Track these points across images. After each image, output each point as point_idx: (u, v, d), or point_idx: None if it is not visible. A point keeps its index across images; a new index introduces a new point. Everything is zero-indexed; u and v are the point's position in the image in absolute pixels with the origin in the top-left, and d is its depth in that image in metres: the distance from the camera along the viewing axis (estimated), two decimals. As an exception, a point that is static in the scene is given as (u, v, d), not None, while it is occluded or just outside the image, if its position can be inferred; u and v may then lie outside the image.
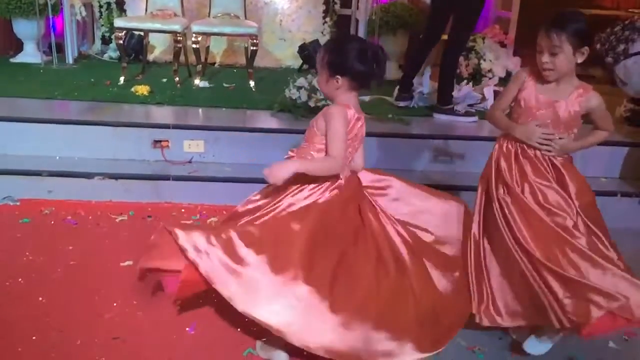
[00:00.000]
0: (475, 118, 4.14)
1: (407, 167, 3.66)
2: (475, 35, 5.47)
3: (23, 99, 4.04)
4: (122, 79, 4.59)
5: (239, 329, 2.23)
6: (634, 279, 1.96)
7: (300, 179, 2.07)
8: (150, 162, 3.56)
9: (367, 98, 4.20)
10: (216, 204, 3.35)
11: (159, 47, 5.79)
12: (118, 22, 4.59)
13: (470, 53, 5.33)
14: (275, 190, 2.13)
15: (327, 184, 2.11)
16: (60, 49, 5.31)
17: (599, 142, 2.23)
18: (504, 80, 5.18)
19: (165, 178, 3.40)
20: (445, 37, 4.11)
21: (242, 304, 1.90)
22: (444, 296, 2.20)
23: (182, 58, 4.84)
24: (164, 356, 2.08)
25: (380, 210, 2.24)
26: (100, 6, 5.82)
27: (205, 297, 2.31)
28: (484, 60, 5.38)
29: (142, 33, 5.07)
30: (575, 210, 2.08)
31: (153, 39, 5.53)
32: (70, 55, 5.30)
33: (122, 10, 5.77)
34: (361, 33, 5.39)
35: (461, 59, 5.09)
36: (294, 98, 3.90)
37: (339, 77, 2.07)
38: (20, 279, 2.50)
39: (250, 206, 2.20)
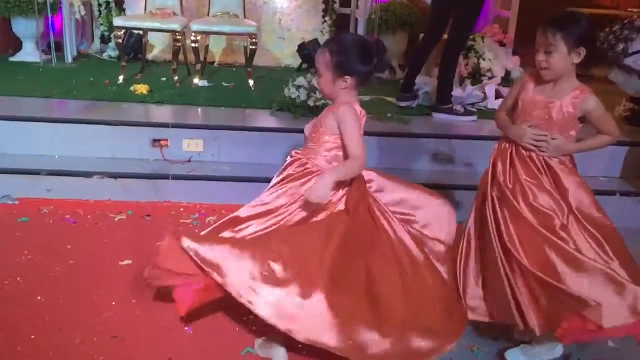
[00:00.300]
0: (475, 117, 4.14)
1: (406, 166, 3.66)
2: (475, 34, 5.46)
3: (22, 98, 4.04)
4: (121, 78, 4.59)
5: (237, 328, 2.23)
6: (628, 284, 1.94)
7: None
8: (149, 162, 3.55)
9: (367, 98, 4.20)
10: (215, 203, 3.35)
11: (158, 46, 5.79)
12: (117, 21, 4.59)
13: (470, 52, 5.33)
14: (285, 192, 2.13)
15: (339, 189, 2.11)
16: (60, 48, 5.31)
17: (601, 147, 2.18)
18: (506, 80, 5.18)
19: (165, 177, 3.40)
20: (445, 36, 4.11)
21: (284, 325, 1.90)
22: (448, 286, 2.26)
23: (181, 57, 4.84)
24: (163, 355, 2.08)
25: (384, 206, 2.25)
26: (100, 5, 5.81)
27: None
28: (484, 59, 5.38)
29: (141, 32, 5.06)
30: (566, 212, 2.06)
31: (152, 38, 5.52)
32: (69, 55, 5.30)
33: (121, 10, 5.77)
34: (360, 32, 5.39)
35: (460, 58, 5.09)
36: (293, 97, 3.90)
37: (347, 77, 2.08)
38: (19, 278, 2.49)
39: (260, 209, 2.15)
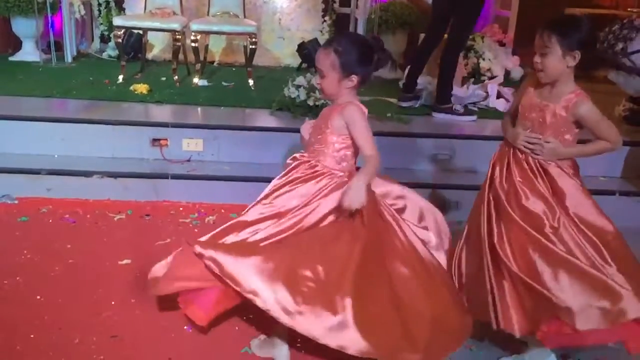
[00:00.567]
0: (475, 117, 4.14)
1: (405, 166, 3.66)
2: (475, 34, 5.47)
3: (22, 97, 4.04)
4: (121, 77, 4.59)
5: (237, 327, 2.24)
6: (619, 290, 1.93)
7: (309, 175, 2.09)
8: (149, 161, 3.55)
9: (367, 98, 4.20)
10: (215, 202, 3.35)
11: (157, 46, 5.79)
12: (117, 21, 4.59)
13: (469, 52, 5.33)
14: (296, 194, 2.09)
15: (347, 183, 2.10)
16: (59, 47, 5.30)
17: (598, 153, 2.15)
18: (506, 80, 5.18)
19: (164, 177, 3.40)
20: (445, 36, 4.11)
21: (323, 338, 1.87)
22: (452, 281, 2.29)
23: (181, 57, 4.83)
24: (162, 354, 2.08)
25: (390, 207, 2.25)
26: (99, 4, 5.81)
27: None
28: (483, 59, 5.38)
29: (141, 31, 5.06)
30: (558, 215, 2.05)
31: (152, 37, 5.52)
32: (69, 54, 5.30)
33: (121, 9, 5.76)
34: (360, 32, 5.37)
35: (460, 58, 5.09)
36: (292, 97, 3.90)
37: (354, 76, 2.08)
38: (18, 278, 2.49)
39: (269, 212, 2.10)
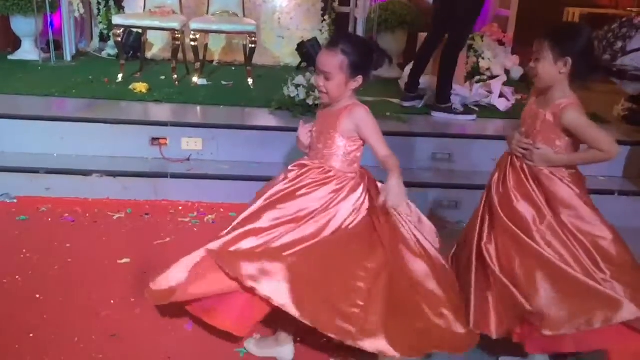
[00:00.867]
0: (474, 116, 4.14)
1: (404, 165, 3.57)
2: (474, 33, 5.46)
3: (21, 96, 4.03)
4: (120, 76, 4.59)
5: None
6: (606, 296, 1.93)
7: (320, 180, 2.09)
8: (148, 160, 3.55)
9: (370, 99, 4.20)
10: (214, 201, 3.35)
11: (157, 45, 5.78)
12: (116, 20, 4.58)
13: (469, 51, 5.33)
14: (312, 199, 2.08)
15: (361, 184, 2.12)
16: (58, 46, 5.30)
17: (591, 162, 2.12)
18: (507, 80, 5.18)
19: (163, 176, 3.40)
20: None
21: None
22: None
23: (180, 56, 4.83)
24: (162, 353, 2.08)
25: (398, 214, 2.25)
26: (99, 3, 5.80)
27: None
28: (483, 58, 5.38)
29: (140, 30, 5.05)
30: (547, 221, 2.05)
31: (151, 36, 5.51)
32: (68, 53, 5.29)
33: (120, 8, 5.76)
34: (360, 31, 5.38)
35: (464, 56, 5.08)
36: (292, 96, 3.90)
37: (359, 77, 2.08)
38: (17, 277, 2.49)
39: (284, 217, 2.06)
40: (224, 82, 4.84)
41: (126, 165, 3.45)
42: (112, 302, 2.36)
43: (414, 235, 2.17)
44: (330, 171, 2.10)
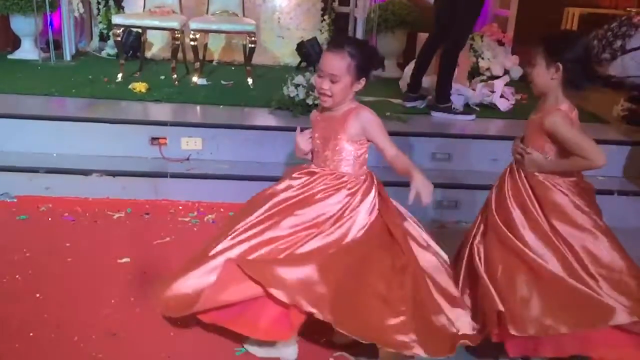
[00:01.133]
0: (473, 116, 4.14)
1: (404, 165, 3.65)
2: (474, 33, 5.47)
3: (20, 95, 4.03)
4: (119, 76, 4.58)
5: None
6: (593, 299, 1.94)
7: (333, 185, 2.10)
8: (147, 160, 3.55)
9: (371, 99, 4.20)
10: (214, 201, 3.35)
11: (157, 44, 5.78)
12: (116, 19, 4.58)
13: (469, 51, 5.33)
14: (330, 204, 2.08)
15: (372, 185, 2.14)
16: (58, 45, 5.30)
17: (574, 168, 2.11)
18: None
19: (163, 175, 3.40)
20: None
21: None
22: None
23: (180, 55, 4.83)
24: (161, 352, 2.08)
25: (405, 213, 2.30)
26: (98, 3, 5.80)
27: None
28: (482, 58, 5.39)
29: (140, 30, 5.06)
30: (537, 225, 2.07)
31: (151, 36, 5.51)
32: (67, 52, 5.29)
33: (120, 7, 5.76)
34: (359, 31, 5.39)
35: (467, 56, 5.08)
36: (291, 96, 3.90)
37: (363, 79, 2.09)
38: (17, 276, 2.49)
39: (303, 224, 2.05)
40: (223, 82, 4.84)
41: (126, 164, 3.45)
42: (112, 301, 2.36)
43: (417, 227, 2.21)
44: (343, 176, 2.11)
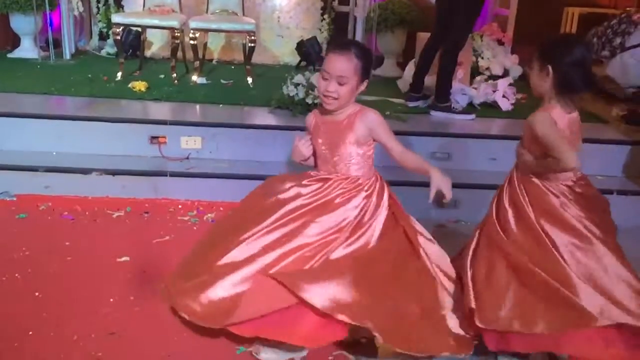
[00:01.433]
0: (473, 116, 4.14)
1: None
2: (474, 33, 5.46)
3: (20, 94, 4.03)
4: (119, 74, 4.58)
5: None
6: (563, 296, 1.94)
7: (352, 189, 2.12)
8: (147, 158, 3.55)
9: (373, 98, 4.19)
10: (213, 200, 3.35)
11: (156, 43, 5.78)
12: (115, 18, 4.58)
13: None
14: (349, 208, 2.09)
15: (384, 185, 2.18)
16: (58, 44, 5.30)
17: (548, 169, 2.10)
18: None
19: (163, 174, 3.40)
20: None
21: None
22: None
23: (179, 54, 4.83)
24: (161, 352, 2.08)
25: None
26: (98, 1, 5.80)
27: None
28: (482, 58, 5.38)
29: (139, 29, 5.06)
30: (526, 222, 2.09)
31: (150, 35, 5.51)
32: (67, 51, 5.29)
33: (119, 6, 5.75)
34: (359, 30, 5.38)
35: (469, 56, 5.06)
36: (291, 95, 3.89)
37: (367, 80, 2.11)
38: (16, 274, 2.49)
39: (328, 231, 2.05)
40: (223, 81, 4.84)
41: (125, 163, 3.45)
42: (112, 300, 2.35)
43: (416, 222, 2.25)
44: (358, 179, 2.12)
